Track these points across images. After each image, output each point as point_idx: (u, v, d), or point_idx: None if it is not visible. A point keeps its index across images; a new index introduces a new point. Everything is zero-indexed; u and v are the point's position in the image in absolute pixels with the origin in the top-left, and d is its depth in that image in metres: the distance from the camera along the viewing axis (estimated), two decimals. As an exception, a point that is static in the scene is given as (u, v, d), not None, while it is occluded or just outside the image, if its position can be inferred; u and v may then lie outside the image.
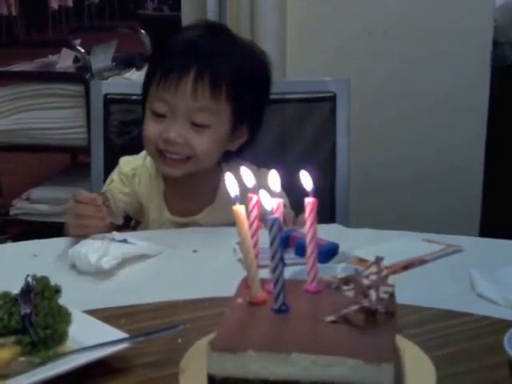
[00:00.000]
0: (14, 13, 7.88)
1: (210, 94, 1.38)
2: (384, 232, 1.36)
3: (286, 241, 1.23)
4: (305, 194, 0.89)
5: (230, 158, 1.51)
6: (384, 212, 2.51)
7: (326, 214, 1.74)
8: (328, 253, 1.20)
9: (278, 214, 0.85)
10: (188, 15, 2.50)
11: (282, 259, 0.83)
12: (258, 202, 0.87)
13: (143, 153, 1.55)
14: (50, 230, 1.42)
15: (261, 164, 1.54)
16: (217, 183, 1.48)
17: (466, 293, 1.08)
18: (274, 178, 0.89)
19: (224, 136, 1.44)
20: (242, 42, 1.49)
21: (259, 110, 1.49)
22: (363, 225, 1.42)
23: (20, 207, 3.11)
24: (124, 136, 1.78)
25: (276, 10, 2.38)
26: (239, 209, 0.84)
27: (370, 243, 1.24)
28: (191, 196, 1.48)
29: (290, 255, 1.20)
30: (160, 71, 1.40)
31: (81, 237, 1.28)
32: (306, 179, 0.88)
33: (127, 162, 1.54)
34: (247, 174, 0.88)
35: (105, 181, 1.62)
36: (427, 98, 2.50)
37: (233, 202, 0.85)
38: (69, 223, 1.32)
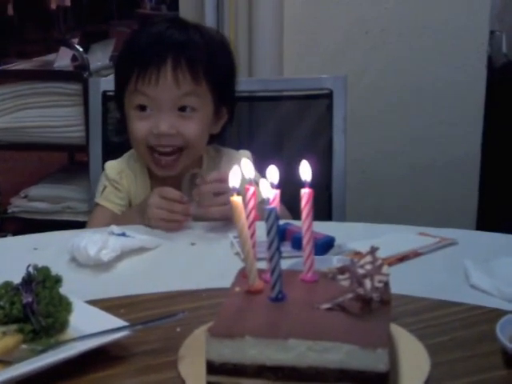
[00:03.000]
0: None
1: (191, 77, 1.42)
2: (379, 226, 1.37)
3: (283, 234, 1.25)
4: (301, 188, 0.90)
5: (212, 141, 1.55)
6: (380, 208, 2.53)
7: (323, 210, 1.76)
8: (324, 245, 1.22)
9: (275, 204, 0.87)
10: (186, 14, 2.51)
11: (278, 248, 0.84)
12: (255, 193, 0.89)
13: (126, 155, 1.57)
14: (48, 227, 1.43)
15: (258, 161, 1.57)
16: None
17: (460, 284, 1.09)
18: (272, 172, 0.90)
19: (209, 119, 1.48)
20: (204, 27, 1.53)
21: (233, 88, 1.53)
22: (360, 221, 1.44)
23: (18, 205, 3.12)
24: (122, 134, 1.79)
25: (273, 9, 2.39)
26: (237, 199, 0.85)
27: (365, 237, 1.25)
28: (177, 188, 1.50)
29: (286, 248, 1.22)
30: (136, 68, 1.41)
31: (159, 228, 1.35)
32: (305, 170, 0.90)
33: (112, 167, 1.56)
34: (247, 165, 0.90)
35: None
36: (423, 95, 2.52)
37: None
38: (152, 216, 1.35)
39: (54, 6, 7.60)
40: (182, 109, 1.44)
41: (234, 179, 0.88)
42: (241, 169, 0.89)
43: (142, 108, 1.44)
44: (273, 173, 0.90)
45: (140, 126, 1.44)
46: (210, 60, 1.46)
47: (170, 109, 1.42)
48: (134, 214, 1.42)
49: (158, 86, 1.41)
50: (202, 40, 1.46)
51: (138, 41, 1.48)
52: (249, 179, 0.89)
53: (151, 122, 1.43)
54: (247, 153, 1.56)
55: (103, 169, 1.69)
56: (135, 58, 1.44)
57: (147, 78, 1.41)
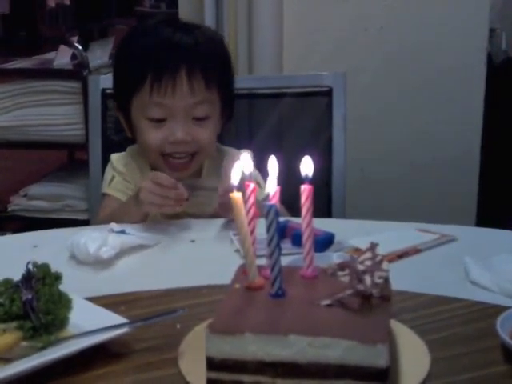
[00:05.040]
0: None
1: (205, 85, 1.42)
2: (379, 223, 1.37)
3: (283, 231, 1.25)
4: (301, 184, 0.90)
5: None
6: (380, 205, 2.53)
7: (323, 207, 1.76)
8: (324, 242, 1.22)
9: (274, 201, 0.87)
10: (185, 12, 2.51)
11: (278, 245, 0.84)
12: (255, 189, 0.89)
13: (129, 149, 1.57)
14: (47, 226, 1.43)
15: (257, 157, 1.56)
16: (199, 169, 1.52)
17: (460, 280, 1.10)
18: (272, 164, 0.90)
19: (218, 122, 1.49)
20: (204, 28, 1.53)
21: (233, 87, 1.53)
22: (359, 218, 1.44)
23: (18, 204, 3.12)
24: (121, 132, 1.79)
25: (273, 6, 2.39)
26: (237, 196, 0.85)
27: (365, 233, 1.25)
28: None
29: (286, 245, 1.22)
30: (149, 78, 1.39)
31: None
32: (307, 164, 0.90)
33: (119, 160, 1.56)
34: (246, 161, 0.90)
35: (103, 177, 1.63)
36: (423, 92, 2.52)
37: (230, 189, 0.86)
38: (145, 200, 1.32)
39: (53, 3, 7.59)
40: (196, 117, 1.44)
41: (234, 176, 0.88)
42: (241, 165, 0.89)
43: (158, 119, 1.43)
44: (273, 164, 0.90)
45: (155, 136, 1.43)
46: (220, 65, 1.47)
47: (184, 116, 1.42)
48: (130, 202, 1.40)
49: (175, 96, 1.40)
50: (210, 44, 1.46)
51: (146, 47, 1.44)
52: (249, 175, 0.89)
53: (166, 130, 1.42)
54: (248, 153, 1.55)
55: (102, 167, 1.69)
56: (147, 66, 1.41)
57: (163, 88, 1.39)
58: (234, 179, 0.88)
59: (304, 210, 0.88)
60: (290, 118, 1.83)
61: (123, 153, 1.58)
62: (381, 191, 2.57)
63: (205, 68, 1.41)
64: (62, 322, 0.90)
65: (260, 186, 1.28)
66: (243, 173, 0.89)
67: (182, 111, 1.41)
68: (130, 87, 1.44)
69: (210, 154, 1.52)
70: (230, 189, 1.01)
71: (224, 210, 1.31)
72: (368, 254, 0.89)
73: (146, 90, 1.41)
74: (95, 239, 1.20)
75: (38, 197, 3.10)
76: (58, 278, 0.93)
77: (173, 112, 1.41)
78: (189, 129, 1.42)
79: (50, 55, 3.34)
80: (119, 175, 1.53)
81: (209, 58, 1.43)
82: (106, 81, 1.78)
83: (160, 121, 1.43)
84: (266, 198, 0.87)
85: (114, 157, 1.57)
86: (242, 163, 0.90)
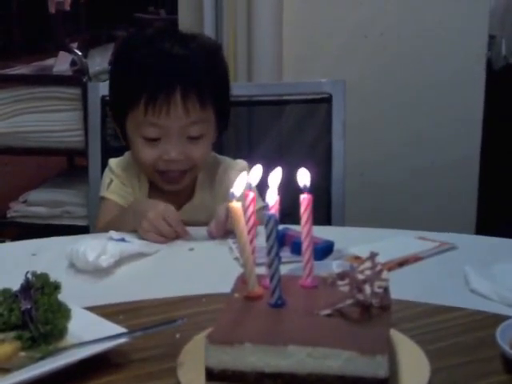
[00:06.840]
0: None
1: (199, 105, 1.41)
2: (379, 230, 1.37)
3: (282, 239, 1.25)
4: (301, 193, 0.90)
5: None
6: (379, 211, 2.53)
7: (322, 213, 1.76)
8: (323, 250, 1.21)
9: (274, 211, 0.87)
10: (185, 18, 2.51)
11: (277, 254, 0.84)
12: (254, 199, 0.89)
13: (127, 154, 1.57)
14: (47, 232, 1.43)
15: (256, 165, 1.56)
16: (194, 179, 1.52)
17: (460, 289, 1.09)
18: (277, 175, 0.90)
19: (213, 136, 1.49)
20: (201, 40, 1.49)
21: (229, 97, 1.52)
22: (359, 224, 1.44)
23: (17, 210, 3.11)
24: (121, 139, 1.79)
25: (273, 13, 2.39)
26: (236, 205, 0.85)
27: (365, 241, 1.25)
28: (173, 195, 1.50)
29: (285, 253, 1.21)
30: (144, 96, 1.38)
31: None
32: (304, 176, 0.90)
33: (117, 164, 1.56)
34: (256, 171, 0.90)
35: (102, 183, 1.63)
36: (422, 98, 2.52)
37: (229, 197, 0.86)
38: (145, 228, 1.32)
39: (53, 9, 7.60)
40: (191, 136, 1.43)
41: (235, 186, 0.88)
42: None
43: (152, 139, 1.43)
44: (276, 175, 0.90)
45: (148, 153, 1.43)
46: (215, 82, 1.46)
47: (178, 135, 1.42)
48: (129, 214, 1.41)
49: (169, 116, 1.39)
50: (205, 61, 1.44)
51: (140, 65, 1.42)
52: (248, 185, 0.89)
53: (160, 148, 1.42)
54: (244, 163, 1.54)
55: (102, 173, 1.69)
56: (141, 86, 1.39)
57: (157, 109, 1.38)
58: (236, 189, 0.88)
59: (303, 220, 0.88)
60: (290, 125, 1.83)
61: (121, 157, 1.58)
62: (381, 196, 2.57)
63: (200, 89, 1.40)
64: (61, 332, 0.90)
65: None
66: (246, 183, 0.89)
67: (177, 131, 1.41)
68: (125, 104, 1.44)
69: (203, 168, 1.52)
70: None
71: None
72: (368, 264, 0.88)
73: (140, 110, 1.40)
74: (94, 247, 1.19)
75: (37, 203, 3.10)
76: (57, 287, 0.92)
77: (167, 132, 1.41)
78: (183, 148, 1.42)
79: (49, 61, 3.34)
80: (117, 178, 1.54)
81: (204, 79, 1.42)
82: (106, 88, 1.77)
83: (154, 140, 1.43)
84: (266, 207, 0.87)
85: (113, 161, 1.57)
86: (250, 175, 0.90)
